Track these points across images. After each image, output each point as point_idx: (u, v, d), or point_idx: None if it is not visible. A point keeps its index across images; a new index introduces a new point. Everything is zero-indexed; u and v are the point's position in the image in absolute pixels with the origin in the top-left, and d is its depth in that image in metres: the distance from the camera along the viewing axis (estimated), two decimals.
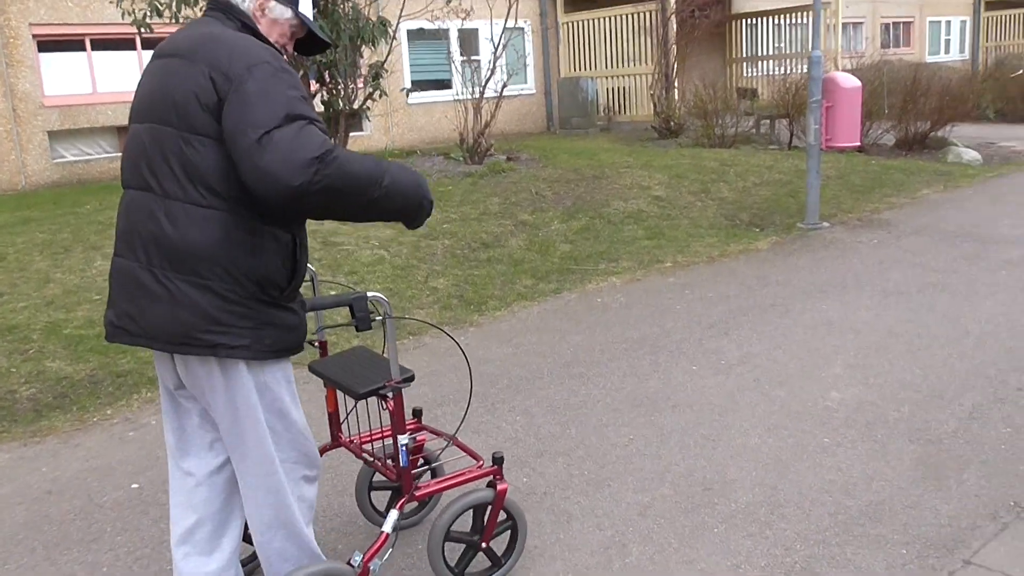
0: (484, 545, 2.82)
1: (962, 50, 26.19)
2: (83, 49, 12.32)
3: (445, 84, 15.96)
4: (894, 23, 25.03)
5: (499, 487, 2.77)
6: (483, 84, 10.58)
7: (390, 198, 2.28)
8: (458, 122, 10.61)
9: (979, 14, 25.66)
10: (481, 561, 2.87)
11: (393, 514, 2.60)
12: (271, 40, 2.45)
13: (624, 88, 17.38)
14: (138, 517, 3.40)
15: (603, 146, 12.77)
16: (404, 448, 2.60)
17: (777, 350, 4.93)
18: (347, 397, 2.68)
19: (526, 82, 17.79)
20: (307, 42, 2.57)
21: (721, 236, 7.78)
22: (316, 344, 2.89)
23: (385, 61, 10.83)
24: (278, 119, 2.12)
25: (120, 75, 12.41)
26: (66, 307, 5.76)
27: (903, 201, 9.09)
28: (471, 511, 2.79)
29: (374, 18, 10.37)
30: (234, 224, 2.22)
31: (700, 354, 4.93)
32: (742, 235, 7.83)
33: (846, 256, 7.00)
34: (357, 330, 2.38)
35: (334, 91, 10.34)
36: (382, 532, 2.57)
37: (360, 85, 10.71)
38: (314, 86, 10.39)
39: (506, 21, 10.40)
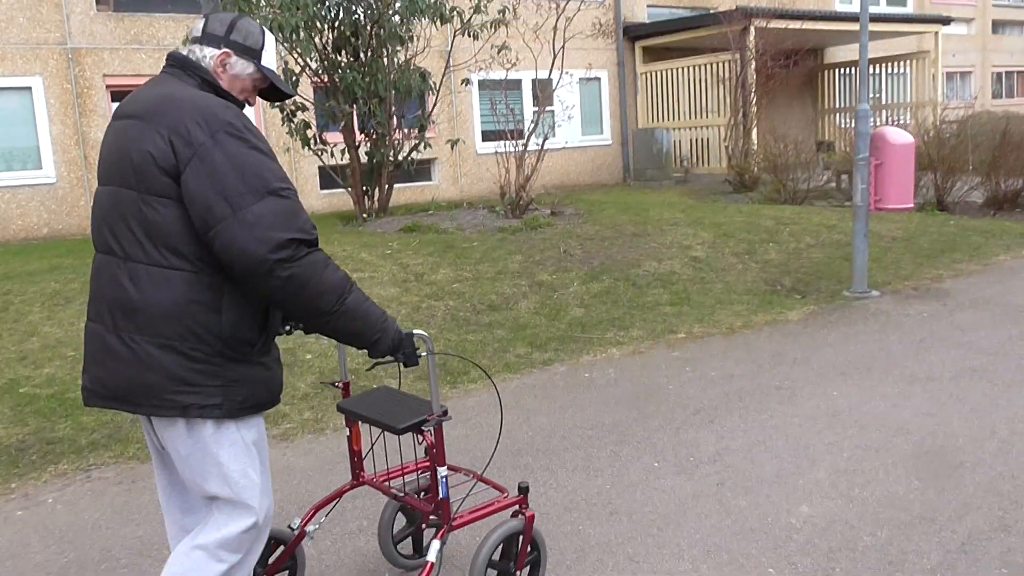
0: (518, 574, 2.93)
1: None
2: None
3: (518, 135, 15.72)
4: (1007, 72, 23.48)
5: (527, 514, 2.91)
6: (526, 137, 10.22)
7: (344, 318, 2.28)
8: (500, 176, 10.27)
9: None
10: None
11: (435, 544, 2.68)
12: (233, 94, 2.41)
13: (703, 139, 16.76)
14: None
15: (666, 200, 12.20)
16: (444, 480, 2.70)
17: (759, 446, 4.28)
18: (371, 435, 3.26)
19: (602, 132, 17.39)
20: (272, 91, 2.54)
21: (754, 304, 7.10)
22: (338, 384, 3.03)
23: (431, 112, 10.64)
24: (255, 193, 2.14)
25: None
26: (36, 363, 5.62)
27: (973, 268, 8.16)
28: (501, 544, 2.88)
29: (423, 68, 10.20)
30: (198, 284, 2.21)
31: (671, 447, 4.33)
32: (778, 303, 7.13)
33: (885, 332, 6.23)
34: (405, 366, 2.47)
35: (377, 142, 10.17)
36: (428, 562, 2.64)
37: (406, 135, 10.52)
38: (357, 136, 10.26)
39: (550, 71, 10.03)
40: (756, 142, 15.00)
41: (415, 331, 2.50)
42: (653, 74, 17.30)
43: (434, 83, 10.36)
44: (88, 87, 12.02)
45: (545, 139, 10.19)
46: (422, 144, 10.47)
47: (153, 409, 2.23)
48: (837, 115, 18.95)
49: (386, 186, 10.53)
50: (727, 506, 3.67)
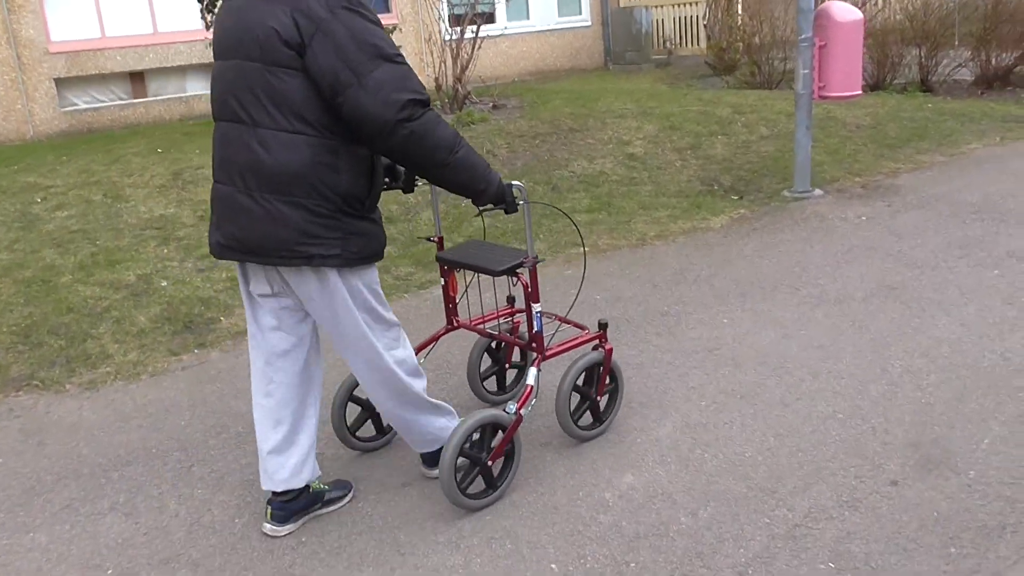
0: (598, 398, 3.26)
1: None
2: None
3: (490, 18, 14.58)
4: None
5: (606, 347, 3.20)
6: (462, 22, 9.33)
7: (456, 170, 2.55)
8: (435, 66, 9.44)
9: None
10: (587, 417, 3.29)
11: (532, 371, 3.00)
12: None
13: (687, 18, 15.60)
14: None
15: (633, 87, 11.31)
16: (539, 316, 2.98)
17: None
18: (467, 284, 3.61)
19: (580, 12, 16.22)
20: None
21: (680, 208, 6.39)
22: (433, 239, 3.26)
23: None
24: (373, 60, 2.37)
25: (129, 19, 11.71)
26: None
27: (937, 159, 7.34)
28: (584, 372, 3.19)
29: None
30: (320, 147, 2.46)
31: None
32: (707, 206, 6.41)
33: (811, 240, 5.53)
34: (506, 213, 2.72)
35: None
36: (528, 385, 2.97)
37: None
38: None
39: None
40: (741, 18, 13.87)
41: (513, 182, 2.71)
42: None
43: None
44: None
45: (479, 26, 9.28)
46: None
47: (282, 260, 2.51)
48: None
49: None
50: (539, 474, 3.12)
